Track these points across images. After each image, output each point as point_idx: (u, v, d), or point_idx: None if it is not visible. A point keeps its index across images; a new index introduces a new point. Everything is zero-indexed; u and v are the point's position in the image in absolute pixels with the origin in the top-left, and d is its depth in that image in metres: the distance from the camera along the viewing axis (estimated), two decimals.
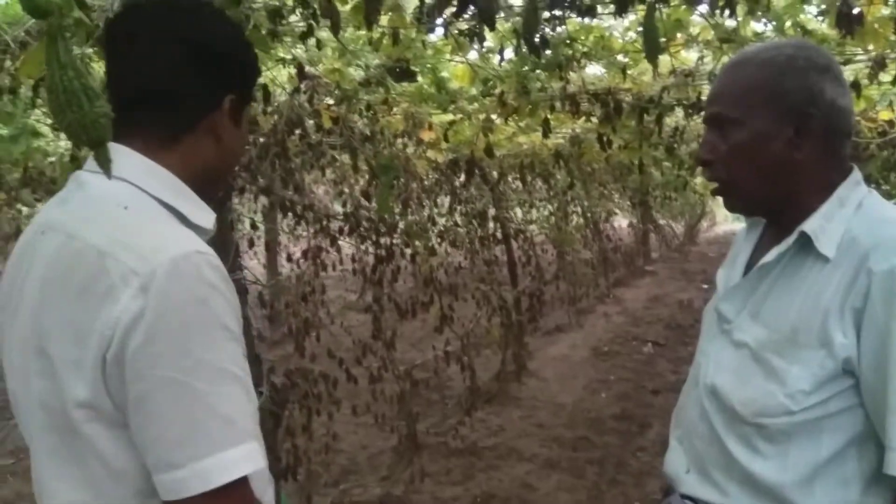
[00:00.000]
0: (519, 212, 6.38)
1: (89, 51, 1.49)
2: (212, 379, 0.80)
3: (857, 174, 1.07)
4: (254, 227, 3.51)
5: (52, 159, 3.53)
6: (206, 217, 0.94)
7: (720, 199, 1.17)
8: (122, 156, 0.87)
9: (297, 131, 2.76)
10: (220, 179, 1.02)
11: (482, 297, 4.78)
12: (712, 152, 1.08)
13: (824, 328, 0.98)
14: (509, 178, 5.22)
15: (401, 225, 3.71)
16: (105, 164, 0.69)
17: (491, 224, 5.20)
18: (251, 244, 3.54)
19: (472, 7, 1.67)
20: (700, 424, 1.13)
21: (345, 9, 1.89)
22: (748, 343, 1.06)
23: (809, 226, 1.02)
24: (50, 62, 0.64)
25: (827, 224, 1.02)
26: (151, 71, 0.90)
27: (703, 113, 1.20)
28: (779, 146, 1.03)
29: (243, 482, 0.81)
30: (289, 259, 3.72)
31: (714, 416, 1.09)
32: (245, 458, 0.81)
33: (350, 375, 3.34)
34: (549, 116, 2.79)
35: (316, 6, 1.81)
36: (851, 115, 1.07)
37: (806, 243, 1.03)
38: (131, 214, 0.85)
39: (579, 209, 6.80)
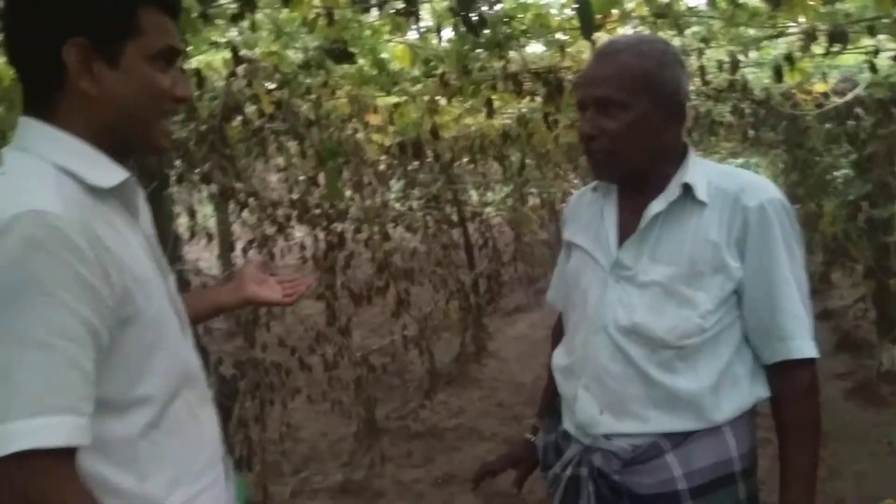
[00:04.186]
0: (474, 194, 6.38)
1: None
2: (15, 346, 0.77)
3: (690, 147, 1.33)
4: (192, 215, 3.43)
5: None
6: (104, 176, 0.90)
7: None
8: (23, 126, 0.87)
9: (238, 117, 2.69)
10: (135, 133, 0.94)
11: (440, 281, 4.78)
12: (597, 128, 1.24)
13: (717, 258, 1.22)
14: (463, 161, 5.22)
15: (352, 210, 3.67)
16: None
17: (447, 207, 5.20)
18: (192, 234, 3.46)
19: None
20: (613, 365, 1.27)
21: None
22: (658, 281, 1.24)
23: (689, 179, 1.24)
24: None
25: (697, 178, 1.25)
26: (6, 34, 0.89)
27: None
28: (654, 127, 1.24)
29: (45, 455, 0.77)
30: (232, 248, 3.65)
31: (633, 352, 1.25)
32: (35, 431, 0.76)
33: (304, 364, 3.32)
34: (492, 97, 2.78)
35: None
36: None
37: (683, 194, 1.24)
38: (3, 179, 0.84)
39: (535, 190, 6.84)
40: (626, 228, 1.30)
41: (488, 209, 6.34)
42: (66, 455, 0.79)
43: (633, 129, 1.22)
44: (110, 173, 0.91)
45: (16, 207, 0.78)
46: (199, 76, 2.25)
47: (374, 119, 3.08)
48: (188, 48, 2.12)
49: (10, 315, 0.77)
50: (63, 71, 0.87)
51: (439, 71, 2.57)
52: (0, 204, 0.79)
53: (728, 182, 1.26)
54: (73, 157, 0.87)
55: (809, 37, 2.34)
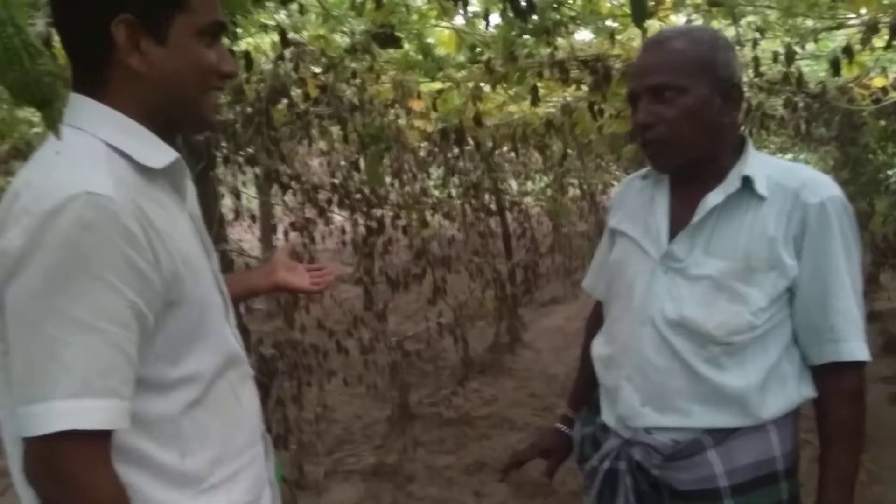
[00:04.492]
0: (514, 183, 6.34)
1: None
2: (63, 326, 0.78)
3: (749, 139, 1.29)
4: (238, 197, 3.48)
5: (38, 130, 3.49)
6: (155, 156, 0.90)
7: None
8: (76, 103, 0.87)
9: (284, 100, 2.72)
10: (185, 110, 0.94)
11: (476, 270, 4.78)
12: (654, 116, 1.22)
13: (773, 254, 1.19)
14: (503, 149, 5.18)
15: (392, 196, 3.68)
16: (52, 124, 0.67)
17: (486, 196, 5.18)
18: (237, 216, 3.51)
19: None
20: (658, 358, 1.25)
21: None
22: (711, 275, 1.21)
23: (749, 172, 1.21)
24: None
25: (756, 172, 1.22)
26: (56, 13, 0.89)
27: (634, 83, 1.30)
28: (713, 111, 1.21)
29: (82, 437, 0.78)
30: (274, 231, 3.70)
31: (680, 345, 1.23)
32: (76, 412, 0.77)
33: (341, 347, 3.35)
34: (537, 84, 2.75)
35: None
36: None
37: (742, 186, 1.21)
38: (59, 157, 0.84)
39: (575, 181, 6.76)
40: (678, 219, 1.27)
41: (527, 199, 6.30)
42: (101, 438, 0.80)
43: (693, 113, 1.19)
44: (160, 153, 0.91)
45: (71, 188, 0.78)
46: (248, 58, 2.27)
47: (417, 105, 3.07)
48: (238, 30, 2.15)
49: (60, 296, 0.77)
50: (111, 48, 0.87)
51: (485, 57, 2.54)
52: (56, 183, 0.80)
53: (788, 177, 1.22)
54: (124, 136, 0.88)
55: (871, 29, 2.26)
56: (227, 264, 2.36)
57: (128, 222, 0.80)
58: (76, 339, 0.78)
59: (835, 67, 2.55)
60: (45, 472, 0.80)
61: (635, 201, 1.37)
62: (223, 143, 2.46)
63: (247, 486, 0.99)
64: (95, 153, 0.85)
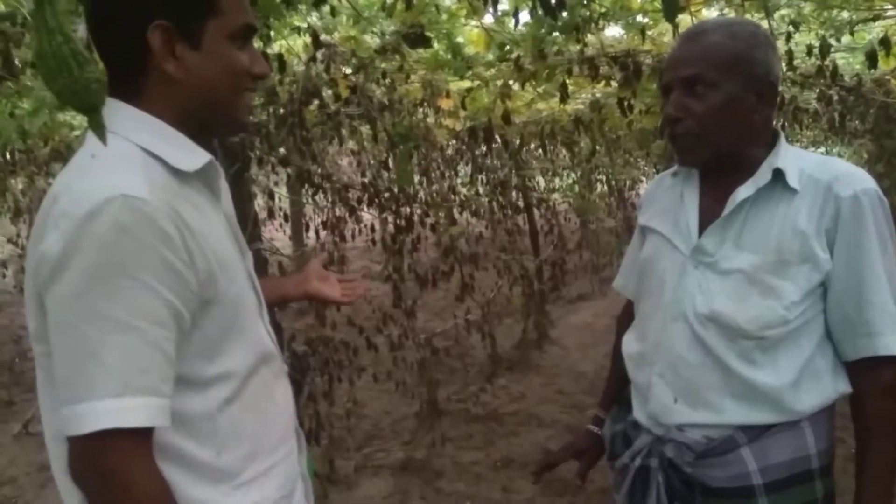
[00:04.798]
0: (541, 180, 6.32)
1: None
2: (103, 327, 0.79)
3: (781, 133, 1.28)
4: (271, 196, 3.54)
5: (78, 133, 3.58)
6: (188, 160, 0.92)
7: None
8: (111, 108, 0.88)
9: (315, 101, 2.75)
10: (218, 113, 0.96)
11: (504, 267, 4.78)
12: (683, 109, 1.20)
13: (806, 247, 1.17)
14: (531, 147, 5.16)
15: (421, 195, 3.71)
16: (99, 129, 0.69)
17: (513, 193, 5.17)
18: (270, 215, 3.56)
19: None
20: (690, 354, 1.24)
21: None
22: (742, 269, 1.20)
23: (780, 164, 1.20)
24: (38, 28, 0.63)
25: (788, 165, 1.20)
26: (91, 19, 0.91)
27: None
28: (745, 108, 1.20)
29: (125, 435, 0.79)
30: (306, 229, 3.74)
31: (712, 340, 1.22)
32: (118, 411, 0.79)
33: (370, 343, 3.39)
34: (567, 81, 2.74)
35: None
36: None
37: (773, 179, 1.20)
38: (95, 161, 0.86)
39: (603, 177, 6.71)
40: (708, 213, 1.26)
41: (555, 195, 6.27)
42: (143, 436, 0.82)
43: (722, 110, 1.18)
44: (194, 157, 0.92)
45: (107, 191, 0.80)
46: (281, 61, 2.31)
47: (445, 104, 3.09)
48: (271, 33, 2.18)
49: (99, 297, 0.79)
50: (146, 54, 0.89)
51: (514, 55, 2.55)
52: (92, 186, 0.82)
53: (821, 171, 1.20)
54: (158, 140, 0.89)
55: None
56: (261, 263, 2.40)
57: (163, 224, 0.82)
58: (115, 338, 0.79)
59: (871, 60, 2.49)
60: (90, 469, 0.82)
61: (665, 198, 1.36)
62: (257, 144, 2.50)
63: (279, 482, 1.00)
64: (131, 157, 0.87)
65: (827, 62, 2.75)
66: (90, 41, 0.93)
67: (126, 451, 0.80)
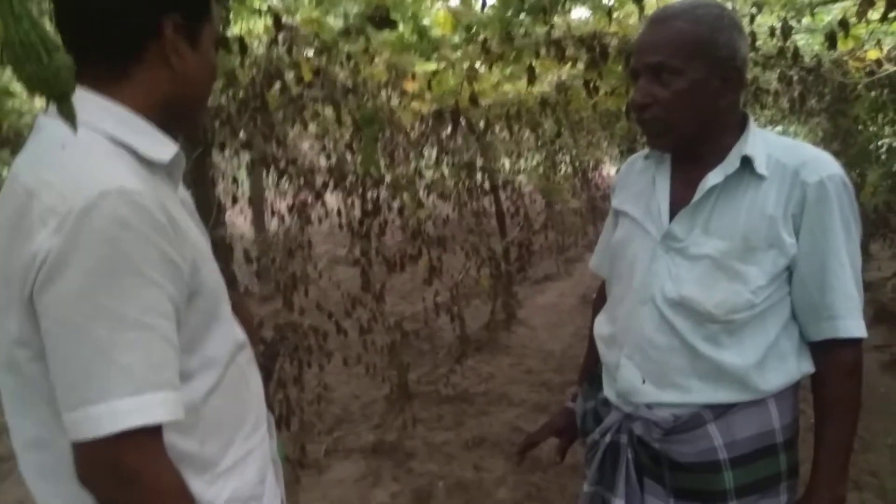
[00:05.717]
0: (507, 162, 6.33)
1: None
2: (113, 326, 0.77)
3: (751, 117, 1.28)
4: (234, 182, 3.47)
5: (28, 120, 3.45)
6: (162, 150, 0.90)
7: None
8: (76, 97, 0.86)
9: (277, 84, 2.70)
10: (190, 110, 0.98)
11: (471, 249, 4.79)
12: (650, 96, 1.21)
13: (773, 232, 1.19)
14: (496, 129, 5.16)
15: (387, 178, 3.68)
16: (70, 117, 0.66)
17: (479, 175, 5.18)
18: (234, 201, 3.49)
19: None
20: (658, 337, 1.27)
21: None
22: (710, 254, 1.22)
23: (749, 151, 1.21)
24: (4, 14, 0.61)
25: (757, 151, 1.22)
26: (92, 3, 0.87)
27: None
28: (709, 93, 1.20)
29: (143, 433, 0.78)
30: (272, 214, 3.69)
31: (680, 324, 1.25)
32: (140, 408, 0.78)
33: (340, 328, 3.37)
34: (533, 63, 2.74)
35: None
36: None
37: (741, 166, 1.21)
38: (66, 153, 0.82)
39: (567, 158, 6.76)
40: (679, 199, 1.28)
41: (520, 177, 6.29)
42: (158, 432, 0.81)
43: (687, 96, 1.19)
44: (164, 147, 0.91)
45: (100, 185, 0.77)
46: (242, 43, 2.25)
47: (410, 86, 3.06)
48: (231, 15, 2.13)
49: (105, 294, 0.77)
50: (150, 43, 0.88)
51: (480, 37, 2.53)
52: (80, 180, 0.79)
53: (789, 156, 1.22)
54: (127, 129, 0.87)
55: (867, 2, 2.25)
56: (227, 250, 2.36)
57: (159, 216, 0.80)
58: (128, 336, 0.78)
59: (831, 41, 2.55)
60: (108, 472, 0.79)
61: (637, 182, 1.38)
62: (217, 128, 2.44)
63: (257, 467, 1.01)
64: (102, 147, 0.84)
65: (788, 43, 2.80)
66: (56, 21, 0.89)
67: (146, 449, 0.80)
